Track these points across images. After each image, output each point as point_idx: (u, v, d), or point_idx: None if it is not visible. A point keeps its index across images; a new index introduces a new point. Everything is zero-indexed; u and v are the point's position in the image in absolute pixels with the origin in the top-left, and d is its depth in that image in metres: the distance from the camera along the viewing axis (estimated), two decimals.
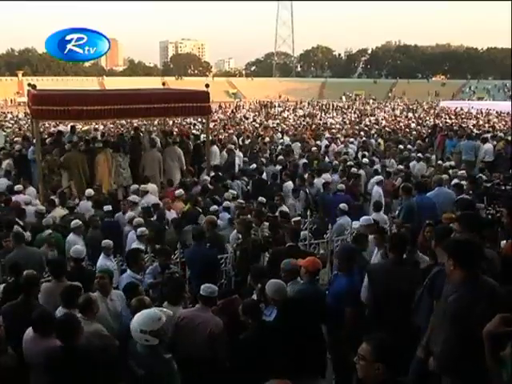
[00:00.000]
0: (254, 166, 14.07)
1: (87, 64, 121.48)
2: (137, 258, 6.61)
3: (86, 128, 23.26)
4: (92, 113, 12.45)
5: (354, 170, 13.06)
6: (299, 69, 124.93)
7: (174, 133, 18.00)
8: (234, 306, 5.33)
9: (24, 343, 4.90)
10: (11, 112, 46.54)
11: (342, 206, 9.59)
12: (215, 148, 15.47)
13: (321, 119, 38.10)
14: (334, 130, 24.76)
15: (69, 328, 4.49)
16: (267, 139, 20.00)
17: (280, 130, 26.35)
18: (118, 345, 4.98)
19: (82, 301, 5.16)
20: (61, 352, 4.46)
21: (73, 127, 16.70)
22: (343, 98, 73.02)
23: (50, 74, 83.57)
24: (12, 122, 35.01)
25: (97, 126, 24.62)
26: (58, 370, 4.44)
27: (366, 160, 14.81)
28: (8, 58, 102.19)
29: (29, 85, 14.37)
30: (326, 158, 16.33)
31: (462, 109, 48.04)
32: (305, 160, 15.16)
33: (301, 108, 52.73)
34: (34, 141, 14.80)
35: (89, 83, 71.71)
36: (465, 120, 35.74)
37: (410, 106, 55.65)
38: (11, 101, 63.61)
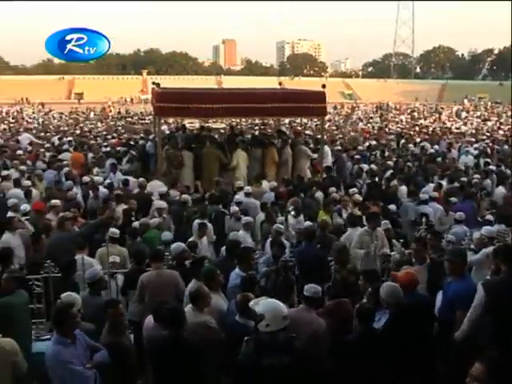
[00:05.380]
0: (366, 167, 13.77)
1: (207, 64, 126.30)
2: (248, 256, 6.66)
3: (220, 125, 23.87)
4: (211, 111, 12.79)
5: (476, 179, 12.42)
6: (418, 70, 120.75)
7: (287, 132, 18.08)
8: (342, 308, 5.28)
9: (144, 330, 5.20)
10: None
11: (459, 215, 9.17)
12: (328, 149, 15.33)
13: (444, 123, 36.49)
14: (452, 136, 23.65)
15: (175, 318, 4.73)
16: (383, 141, 19.52)
17: (395, 132, 25.63)
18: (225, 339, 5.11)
19: (193, 292, 5.35)
20: (166, 340, 4.71)
21: (184, 125, 17.25)
22: (465, 100, 69.41)
23: (173, 73, 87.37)
24: (136, 118, 37.01)
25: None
26: (161, 356, 4.72)
27: (492, 167, 13.98)
28: (135, 57, 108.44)
29: (153, 83, 14.99)
30: None
31: None
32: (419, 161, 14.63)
33: (414, 111, 50.77)
34: (151, 136, 15.65)
35: (208, 82, 74.16)
36: None
37: None
38: (132, 99, 67.13)
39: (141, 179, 11.77)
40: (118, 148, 16.62)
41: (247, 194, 10.82)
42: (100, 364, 4.76)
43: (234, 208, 9.56)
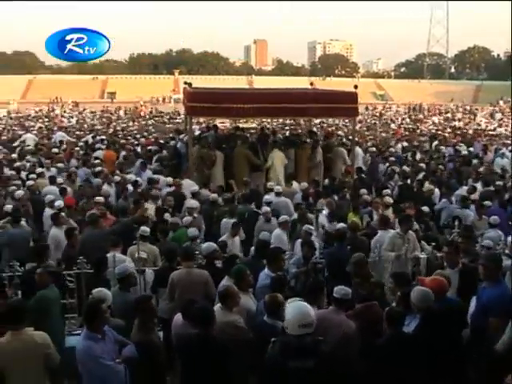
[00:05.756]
0: (398, 169, 13.62)
1: (238, 64, 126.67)
2: (278, 257, 6.63)
3: (250, 125, 23.91)
4: (242, 110, 12.84)
5: None
6: (453, 70, 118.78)
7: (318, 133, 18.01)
8: (372, 311, 5.27)
9: (173, 328, 5.25)
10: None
11: (493, 219, 9.03)
12: (359, 150, 15.20)
13: (478, 124, 35.84)
14: (487, 138, 23.19)
15: (204, 317, 4.77)
16: (415, 143, 19.28)
17: (429, 134, 25.26)
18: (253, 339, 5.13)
19: (222, 291, 5.38)
20: (195, 339, 4.75)
21: (216, 125, 17.33)
22: (500, 102, 67.97)
23: (204, 73, 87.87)
24: (167, 117, 37.34)
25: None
26: (190, 355, 4.76)
27: None
28: (167, 57, 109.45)
29: (185, 83, 15.09)
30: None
31: None
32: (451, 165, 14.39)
33: (448, 112, 49.97)
34: (182, 136, 15.72)
35: (239, 82, 74.33)
36: None
37: None
38: (164, 99, 67.72)
39: (169, 178, 11.94)
40: (149, 147, 16.78)
41: (278, 194, 10.80)
42: (129, 359, 4.82)
43: (266, 208, 9.53)
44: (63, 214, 9.38)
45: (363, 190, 11.03)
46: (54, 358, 4.86)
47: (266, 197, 10.59)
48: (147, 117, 38.87)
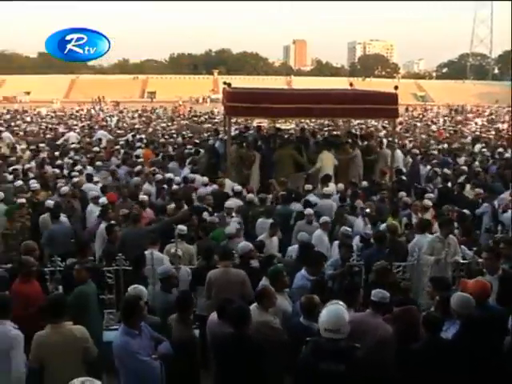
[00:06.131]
0: (439, 171, 13.38)
1: (277, 64, 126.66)
2: (320, 262, 6.58)
3: (289, 126, 23.90)
4: (280, 111, 12.84)
5: None
6: (497, 71, 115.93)
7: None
8: (410, 315, 5.22)
9: (208, 326, 5.29)
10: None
11: None
12: (399, 152, 14.99)
13: None
14: None
15: (240, 317, 4.79)
16: (456, 145, 18.87)
17: (471, 135, 24.69)
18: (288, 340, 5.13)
19: (259, 291, 5.39)
20: (230, 338, 4.78)
21: (259, 126, 17.33)
22: None
23: (243, 73, 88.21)
24: (205, 117, 37.59)
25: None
26: (225, 354, 4.80)
27: None
28: (206, 57, 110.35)
29: (224, 83, 15.11)
30: None
31: None
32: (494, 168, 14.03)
33: (491, 113, 48.75)
34: (221, 135, 15.80)
35: (277, 82, 74.38)
36: None
37: None
38: (204, 98, 68.28)
39: (205, 178, 12.00)
40: (189, 146, 16.91)
41: (326, 196, 10.72)
42: (165, 355, 4.87)
43: (309, 210, 9.40)
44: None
45: (402, 193, 10.86)
46: (92, 352, 4.96)
47: (312, 198, 10.53)
48: (186, 116, 39.22)
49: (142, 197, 10.29)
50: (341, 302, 4.40)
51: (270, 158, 13.36)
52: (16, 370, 4.85)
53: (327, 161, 13.09)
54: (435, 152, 17.16)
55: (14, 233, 8.82)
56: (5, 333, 4.92)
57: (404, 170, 13.92)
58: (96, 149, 16.41)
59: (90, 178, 12.03)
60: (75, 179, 11.61)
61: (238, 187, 11.08)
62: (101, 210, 9.43)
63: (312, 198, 10.57)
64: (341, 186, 11.60)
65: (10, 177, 11.98)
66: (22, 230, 9.05)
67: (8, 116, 36.08)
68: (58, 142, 19.39)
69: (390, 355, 4.89)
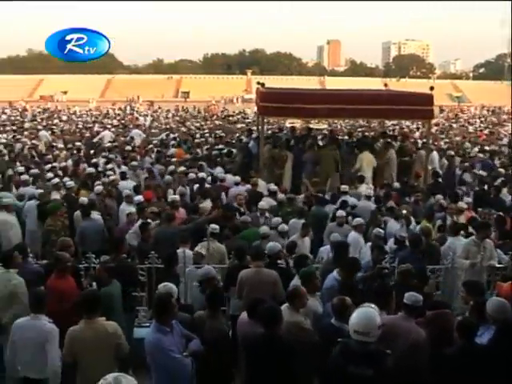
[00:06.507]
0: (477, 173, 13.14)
1: (310, 64, 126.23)
2: (354, 267, 6.48)
3: (321, 126, 23.78)
4: (314, 111, 12.81)
5: None
6: None
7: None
8: (444, 319, 5.16)
9: (238, 326, 5.30)
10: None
11: None
12: (436, 154, 14.77)
13: None
14: None
15: (271, 317, 4.78)
16: (493, 147, 18.48)
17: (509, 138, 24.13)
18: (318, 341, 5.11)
19: (291, 291, 5.41)
20: (261, 338, 4.78)
21: (293, 127, 17.28)
22: None
23: (277, 73, 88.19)
24: (238, 117, 37.70)
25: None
26: (256, 353, 4.80)
27: None
28: (240, 57, 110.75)
29: (258, 83, 15.14)
30: None
31: None
32: None
33: None
34: (254, 135, 15.81)
35: (310, 83, 74.10)
36: None
37: None
38: (237, 99, 68.50)
39: (237, 177, 12.03)
40: (220, 146, 16.98)
41: (367, 197, 10.64)
42: (195, 353, 4.90)
43: (341, 212, 9.30)
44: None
45: (439, 196, 10.67)
46: (124, 348, 5.03)
47: (351, 199, 10.46)
48: (219, 116, 39.40)
49: (173, 197, 10.29)
50: (373, 305, 4.36)
51: (301, 158, 13.36)
52: (52, 364, 4.98)
53: (367, 161, 13.06)
54: (480, 154, 16.82)
55: (57, 229, 8.97)
56: (40, 327, 5.04)
57: (440, 172, 13.72)
58: (128, 147, 16.60)
59: (123, 177, 12.19)
60: (111, 177, 11.78)
61: (273, 187, 11.10)
62: (137, 209, 9.56)
63: (351, 199, 10.48)
64: (370, 186, 11.55)
65: (48, 175, 12.21)
66: (63, 228, 9.22)
67: (46, 115, 36.81)
68: (94, 141, 19.71)
69: (423, 360, 4.82)
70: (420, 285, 6.37)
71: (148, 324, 6.12)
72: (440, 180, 12.55)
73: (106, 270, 6.19)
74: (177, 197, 10.30)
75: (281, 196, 10.63)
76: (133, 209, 9.65)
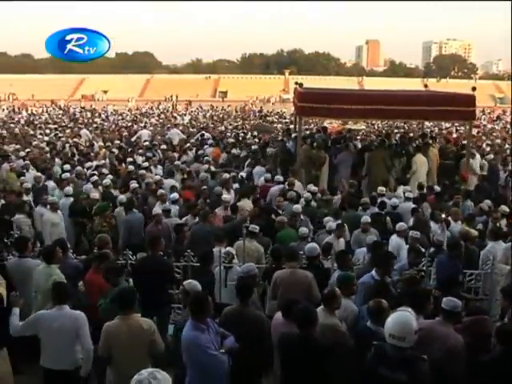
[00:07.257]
0: None
1: (349, 64, 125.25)
2: (389, 262, 6.44)
3: (360, 127, 23.61)
4: (352, 112, 12.71)
5: None
6: None
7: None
8: (482, 325, 5.09)
9: (273, 326, 5.32)
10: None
11: None
12: (478, 156, 14.50)
13: None
14: None
15: (307, 318, 4.77)
16: None
17: None
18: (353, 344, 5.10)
19: (327, 293, 5.41)
20: (296, 339, 4.76)
21: (324, 127, 17.17)
22: None
23: (315, 74, 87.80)
24: (276, 117, 37.73)
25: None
26: (291, 354, 4.80)
27: None
28: (278, 57, 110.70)
29: (296, 83, 15.14)
30: None
31: None
32: None
33: None
34: (293, 135, 15.76)
35: (349, 83, 73.51)
36: None
37: None
38: (275, 99, 68.48)
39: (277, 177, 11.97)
40: (254, 147, 16.98)
41: (407, 199, 10.53)
42: (231, 350, 4.93)
43: (366, 218, 9.05)
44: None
45: (487, 201, 10.40)
46: (159, 345, 5.09)
47: (394, 200, 10.34)
48: (256, 116, 39.51)
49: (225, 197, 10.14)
50: (409, 309, 4.31)
51: (336, 158, 13.33)
52: (87, 346, 5.11)
53: (420, 163, 12.97)
54: None
55: (107, 230, 9.10)
56: (69, 315, 5.17)
57: (482, 174, 13.50)
58: (163, 146, 16.77)
59: (170, 175, 12.36)
60: (156, 177, 11.89)
61: (314, 188, 11.09)
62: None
63: (392, 200, 10.37)
64: (406, 188, 11.37)
65: (88, 172, 12.42)
66: (110, 228, 9.33)
67: (88, 114, 37.61)
68: (132, 139, 20.02)
69: (460, 366, 4.73)
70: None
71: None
72: (485, 183, 12.29)
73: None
74: (228, 196, 10.27)
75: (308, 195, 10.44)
76: (159, 210, 9.47)
